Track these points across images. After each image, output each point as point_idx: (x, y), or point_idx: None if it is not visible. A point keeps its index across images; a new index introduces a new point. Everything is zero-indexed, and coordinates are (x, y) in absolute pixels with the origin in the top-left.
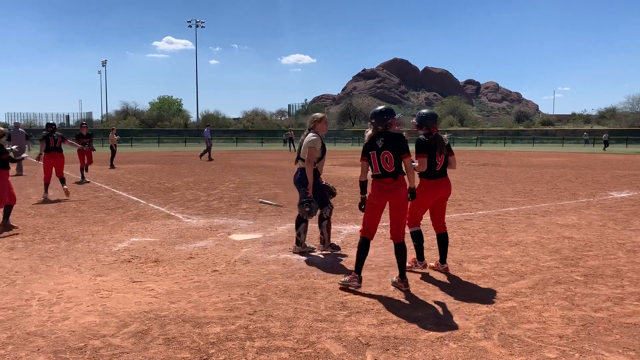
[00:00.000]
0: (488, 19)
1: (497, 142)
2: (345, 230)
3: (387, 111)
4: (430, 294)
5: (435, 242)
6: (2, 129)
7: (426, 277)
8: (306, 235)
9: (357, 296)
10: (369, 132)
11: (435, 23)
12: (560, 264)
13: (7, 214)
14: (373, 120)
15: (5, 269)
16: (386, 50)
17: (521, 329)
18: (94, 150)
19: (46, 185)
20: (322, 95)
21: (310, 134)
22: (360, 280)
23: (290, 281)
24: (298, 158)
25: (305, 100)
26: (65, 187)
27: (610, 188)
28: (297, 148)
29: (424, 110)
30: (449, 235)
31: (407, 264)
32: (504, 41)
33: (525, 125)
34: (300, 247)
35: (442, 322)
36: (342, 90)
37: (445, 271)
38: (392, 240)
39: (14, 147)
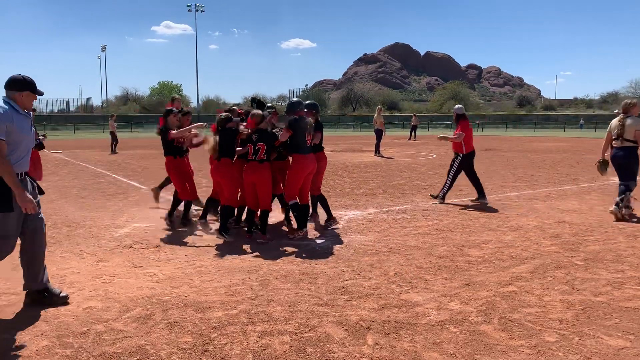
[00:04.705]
0: (490, 3)
1: (499, 127)
2: (347, 216)
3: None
4: (431, 279)
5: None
6: None
7: (427, 262)
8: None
9: (357, 281)
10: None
11: (437, 7)
12: (561, 249)
13: (186, 210)
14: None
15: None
16: (387, 34)
17: (521, 313)
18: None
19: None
20: (323, 80)
21: (630, 118)
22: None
23: (291, 266)
24: (622, 138)
25: (306, 85)
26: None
27: (612, 173)
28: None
29: (293, 99)
30: (451, 219)
31: (290, 235)
32: (506, 25)
33: (527, 110)
34: (619, 210)
35: (442, 306)
36: (343, 75)
37: (305, 235)
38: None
39: None
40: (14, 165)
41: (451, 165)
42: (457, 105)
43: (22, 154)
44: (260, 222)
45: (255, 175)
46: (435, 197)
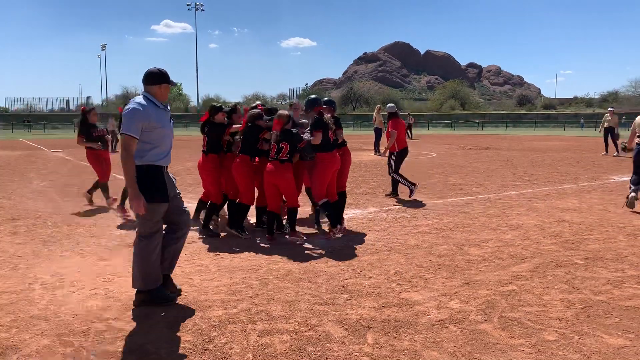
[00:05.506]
0: (490, 2)
1: (499, 125)
2: (347, 215)
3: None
4: (431, 278)
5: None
6: None
7: (427, 260)
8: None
9: (357, 280)
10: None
11: (437, 6)
12: (561, 248)
13: (214, 213)
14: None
15: (8, 253)
16: (388, 33)
17: (521, 312)
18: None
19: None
20: (323, 79)
21: None
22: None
23: (291, 265)
24: None
25: (306, 84)
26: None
27: (612, 172)
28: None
29: (311, 96)
30: (451, 218)
31: (327, 235)
32: (507, 24)
33: (527, 109)
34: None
35: (442, 305)
36: (343, 74)
37: (340, 232)
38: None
39: None
40: (159, 160)
41: (389, 166)
42: (389, 104)
43: (166, 148)
44: (289, 220)
45: (276, 177)
46: (410, 196)
